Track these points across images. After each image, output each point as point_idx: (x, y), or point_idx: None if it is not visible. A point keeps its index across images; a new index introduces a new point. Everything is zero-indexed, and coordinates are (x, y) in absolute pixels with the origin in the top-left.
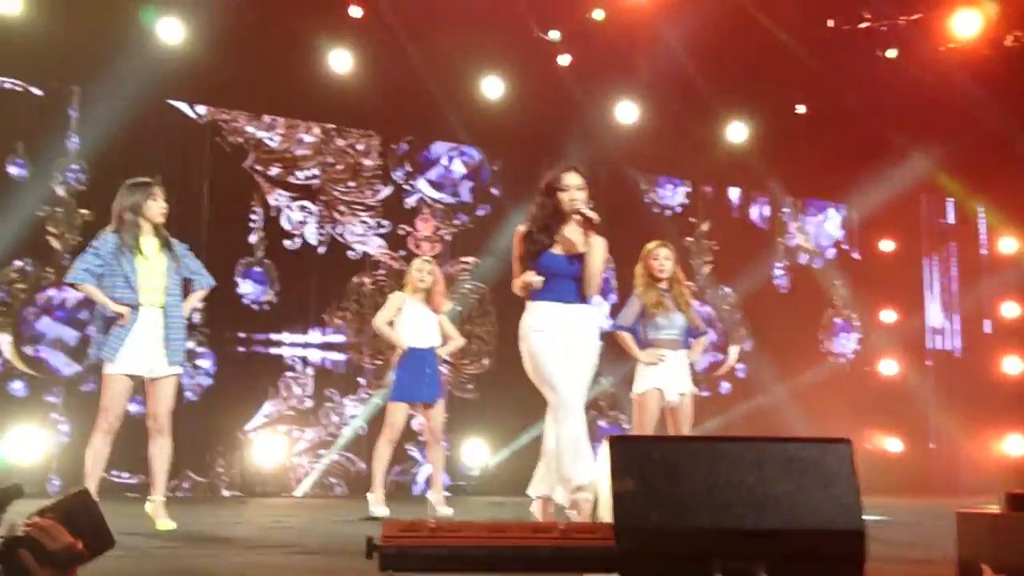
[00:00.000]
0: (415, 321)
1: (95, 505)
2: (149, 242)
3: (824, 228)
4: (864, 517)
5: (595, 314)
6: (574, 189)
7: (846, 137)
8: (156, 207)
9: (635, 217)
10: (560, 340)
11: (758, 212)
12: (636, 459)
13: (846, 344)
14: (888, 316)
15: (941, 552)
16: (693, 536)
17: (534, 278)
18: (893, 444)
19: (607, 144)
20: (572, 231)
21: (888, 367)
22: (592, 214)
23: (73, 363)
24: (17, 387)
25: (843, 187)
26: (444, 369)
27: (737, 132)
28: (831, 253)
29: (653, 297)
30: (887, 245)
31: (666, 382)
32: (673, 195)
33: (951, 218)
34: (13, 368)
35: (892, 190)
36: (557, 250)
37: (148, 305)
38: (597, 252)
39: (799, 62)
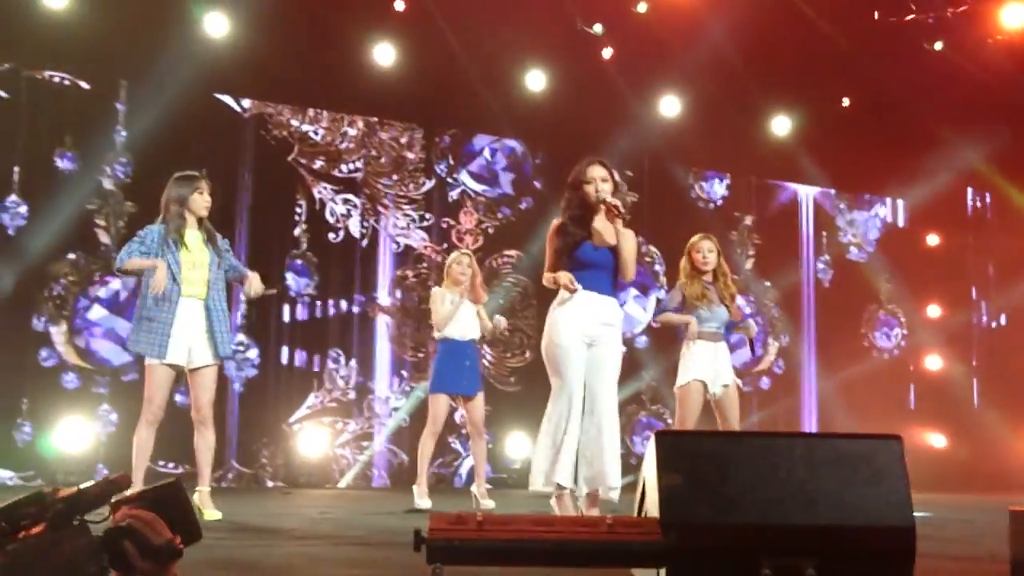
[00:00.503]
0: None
1: (187, 497)
2: (193, 235)
3: (869, 222)
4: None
5: (621, 310)
6: (598, 180)
7: (892, 130)
8: (201, 201)
9: (679, 210)
10: (588, 332)
11: (802, 206)
12: (684, 454)
13: (890, 339)
14: (934, 311)
15: (988, 550)
16: (741, 532)
17: (570, 283)
18: (937, 440)
19: (651, 137)
20: (603, 223)
21: (933, 362)
22: (616, 201)
23: (122, 353)
24: (69, 379)
25: (889, 181)
26: (487, 362)
27: (781, 125)
28: (876, 247)
29: (697, 289)
30: (933, 239)
31: (709, 374)
32: (716, 189)
33: (998, 211)
34: (66, 360)
35: (938, 183)
36: (592, 242)
37: (190, 296)
38: (629, 241)
39: (845, 55)
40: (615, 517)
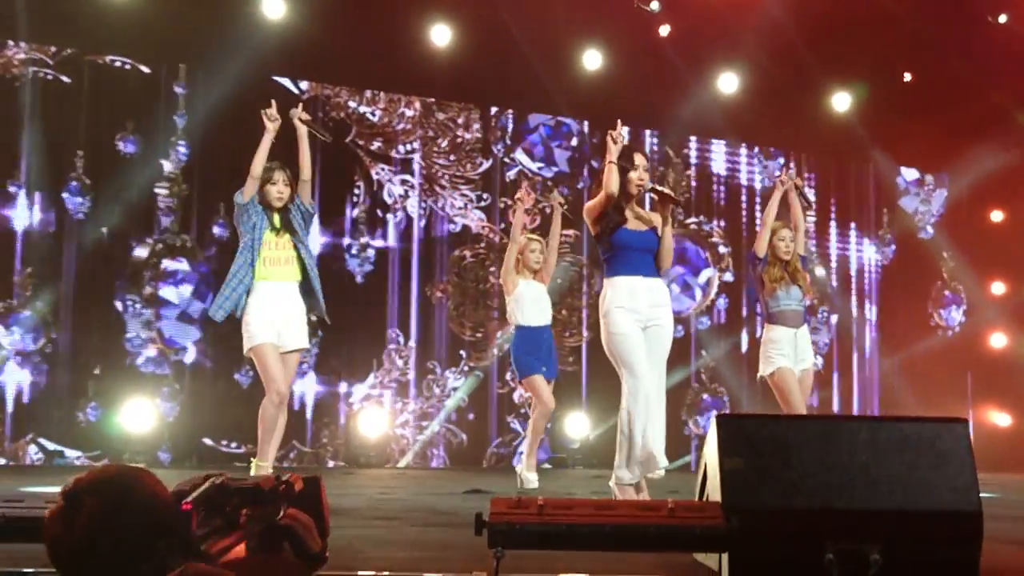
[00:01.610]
0: (530, 300)
1: (325, 496)
2: (275, 222)
3: (932, 198)
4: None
5: (668, 289)
6: (641, 169)
7: (955, 106)
8: (274, 191)
9: (736, 187)
10: (642, 314)
11: (864, 182)
12: (745, 437)
13: (954, 316)
14: (998, 288)
15: None
16: (804, 516)
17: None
18: (1002, 419)
19: (708, 115)
20: (637, 211)
21: (997, 340)
22: (667, 190)
23: (187, 335)
24: (137, 359)
25: (952, 157)
26: None
27: (842, 101)
28: (939, 224)
29: (777, 272)
30: (996, 216)
31: (790, 360)
32: (775, 166)
33: None
34: (133, 341)
35: (1002, 159)
36: (631, 226)
37: (277, 280)
38: (669, 226)
39: (906, 29)
40: (676, 501)
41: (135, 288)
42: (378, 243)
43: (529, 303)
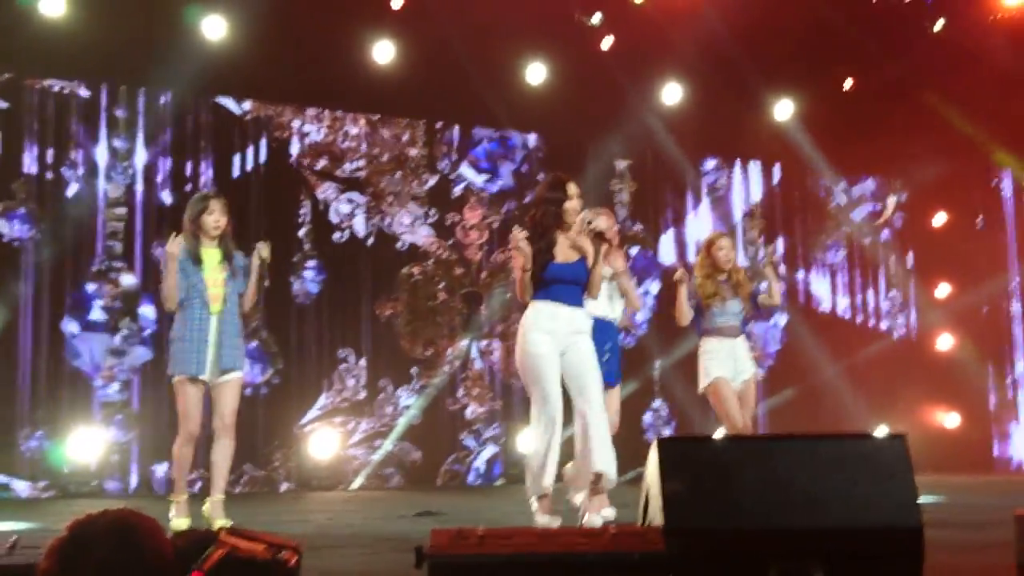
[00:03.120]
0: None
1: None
2: (210, 253)
3: (874, 204)
4: (921, 501)
5: (590, 318)
6: (576, 197)
7: (895, 111)
8: (210, 220)
9: (682, 198)
10: (560, 337)
11: (807, 189)
12: (686, 460)
13: (900, 320)
14: (943, 290)
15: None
16: (746, 537)
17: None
18: (951, 419)
19: (652, 126)
20: (568, 239)
21: (944, 341)
22: (603, 228)
23: (138, 358)
24: (80, 387)
25: (893, 162)
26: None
27: (784, 109)
28: (882, 229)
29: (711, 288)
30: (940, 219)
31: (728, 370)
32: (719, 176)
33: (1007, 191)
34: (76, 368)
35: (943, 164)
36: (560, 259)
37: (214, 314)
38: (599, 263)
39: (845, 37)
40: (618, 527)
41: (81, 313)
42: (325, 262)
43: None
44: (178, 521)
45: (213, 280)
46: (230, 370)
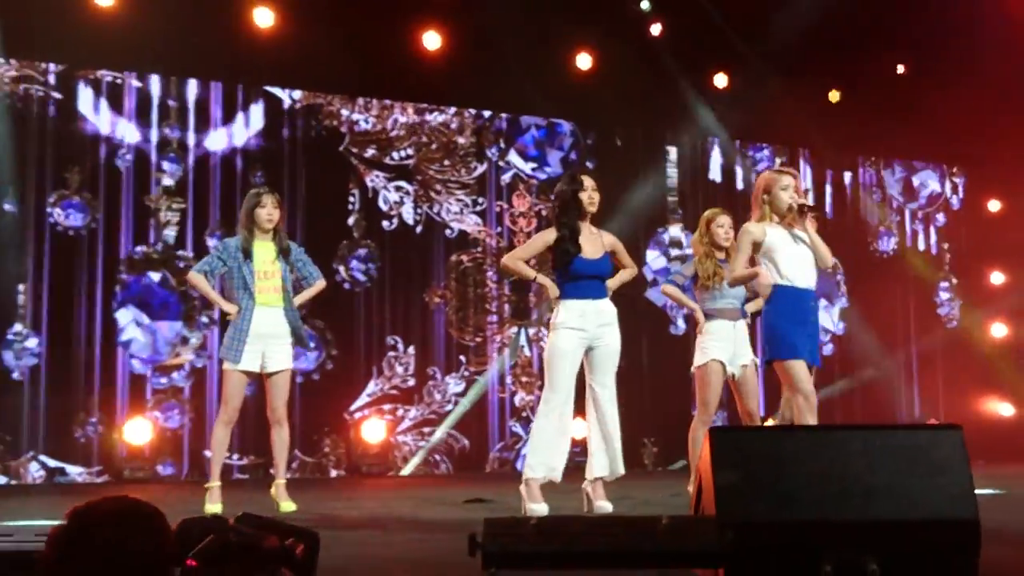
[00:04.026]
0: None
1: (316, 555)
2: (264, 247)
3: (929, 190)
4: (977, 493)
5: (615, 308)
6: (591, 190)
7: (950, 97)
8: (263, 214)
9: (733, 186)
10: (589, 333)
11: (860, 175)
12: (739, 451)
13: (954, 308)
14: (997, 278)
15: None
16: (800, 529)
17: (554, 291)
18: (1005, 409)
19: (702, 113)
20: (589, 234)
21: (998, 330)
22: (807, 202)
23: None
24: (132, 374)
25: (948, 148)
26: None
27: (836, 95)
28: (937, 215)
29: (710, 268)
30: (994, 205)
31: (726, 354)
32: (769, 162)
33: None
34: (127, 355)
35: (1000, 150)
36: (585, 254)
37: (263, 305)
38: (622, 247)
39: (899, 21)
40: (671, 517)
41: (135, 302)
42: (374, 250)
43: (792, 257)
44: (211, 507)
45: (264, 273)
46: (285, 363)
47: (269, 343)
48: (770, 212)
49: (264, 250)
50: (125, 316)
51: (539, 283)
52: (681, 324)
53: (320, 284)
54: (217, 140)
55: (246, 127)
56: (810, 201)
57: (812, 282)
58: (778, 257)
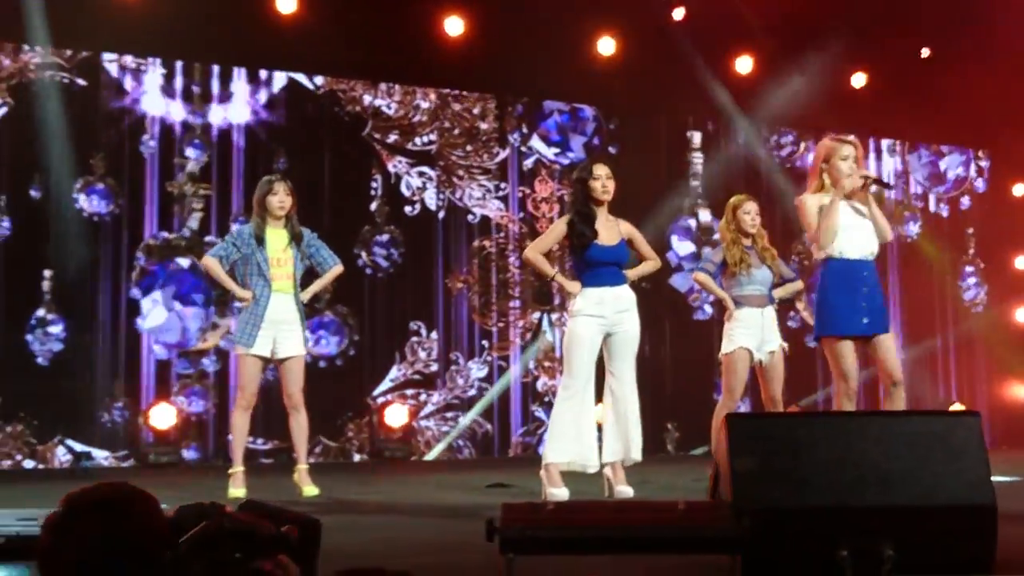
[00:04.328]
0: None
1: (319, 541)
2: (276, 234)
3: (954, 173)
4: (995, 479)
5: (633, 293)
6: (604, 177)
7: (975, 81)
8: (275, 201)
9: (756, 169)
10: (607, 319)
11: (884, 159)
12: (756, 436)
13: (978, 292)
14: (1022, 263)
15: None
16: (816, 514)
17: (573, 289)
18: None
19: (725, 98)
20: (606, 221)
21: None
22: (872, 175)
23: (192, 334)
24: (156, 360)
25: (972, 131)
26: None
27: (859, 79)
28: (962, 199)
29: (737, 254)
30: (1020, 189)
31: (754, 341)
32: (793, 147)
33: None
34: (150, 341)
35: None
36: (601, 240)
37: (278, 292)
38: (639, 235)
39: (923, 4)
40: (688, 502)
41: (158, 286)
42: (397, 235)
43: (848, 229)
44: (235, 491)
45: (276, 260)
46: (298, 349)
47: (281, 329)
48: (829, 182)
49: (277, 237)
50: (152, 301)
51: (557, 282)
52: (708, 309)
53: (337, 268)
54: (240, 126)
55: (269, 113)
56: (872, 172)
57: (869, 253)
58: (828, 227)
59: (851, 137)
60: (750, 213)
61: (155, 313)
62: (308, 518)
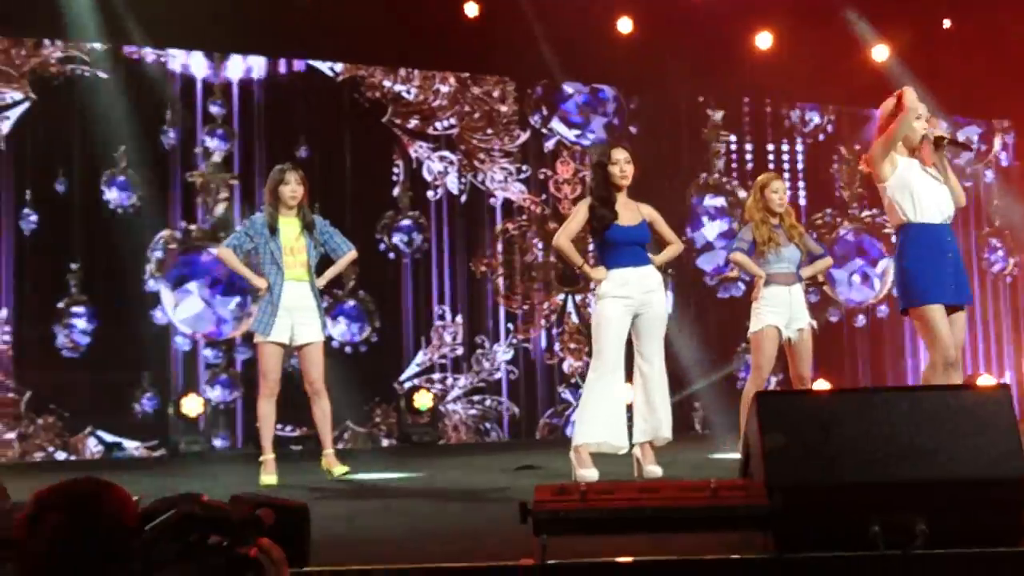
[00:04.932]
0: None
1: (308, 527)
2: (289, 223)
3: (977, 147)
4: None
5: (659, 274)
6: (622, 162)
7: (997, 51)
8: (287, 191)
9: (779, 147)
10: (634, 300)
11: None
12: (786, 414)
13: (1006, 264)
14: None
15: None
16: (848, 491)
17: (599, 275)
18: None
19: (745, 74)
20: (626, 203)
21: None
22: (945, 134)
23: (223, 325)
24: (184, 350)
25: (997, 104)
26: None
27: (880, 52)
28: (986, 172)
29: (765, 233)
30: None
31: (782, 319)
32: (817, 122)
33: None
34: (175, 329)
35: None
36: (621, 221)
37: (292, 279)
38: (659, 217)
39: None
40: (719, 481)
41: (184, 278)
42: (419, 220)
43: (926, 192)
44: (266, 478)
45: (290, 248)
46: (316, 335)
47: (297, 316)
48: (900, 144)
49: (289, 226)
50: (182, 292)
51: (584, 272)
52: (742, 286)
53: (352, 254)
54: (261, 115)
55: (289, 101)
56: (945, 132)
57: (948, 216)
58: (909, 192)
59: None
60: (778, 192)
61: (187, 303)
62: (295, 504)
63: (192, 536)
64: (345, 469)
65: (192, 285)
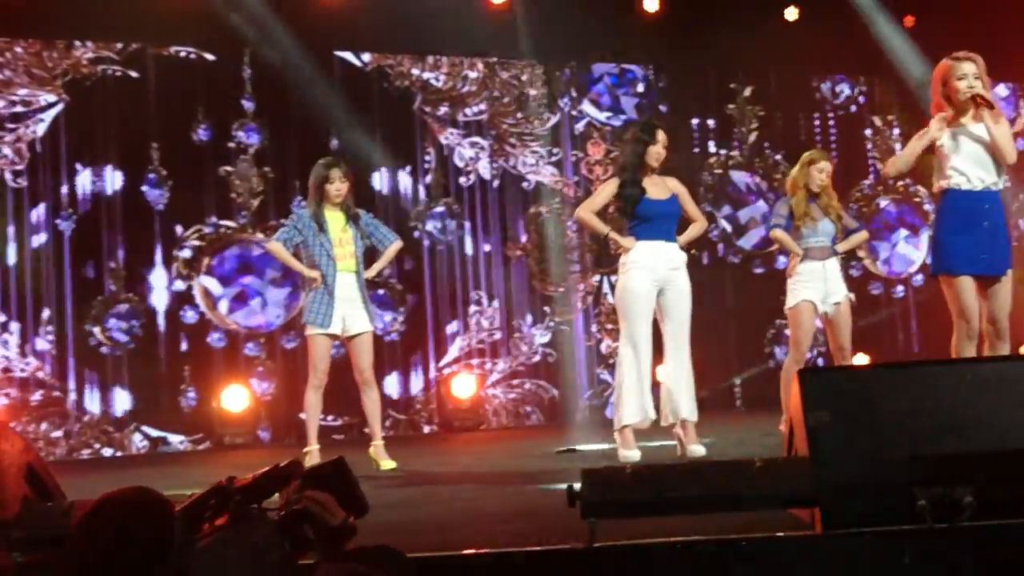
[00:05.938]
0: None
1: (352, 474)
2: (335, 216)
3: (1006, 114)
4: None
5: (684, 253)
6: (662, 144)
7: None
8: (332, 189)
9: (809, 118)
10: (659, 274)
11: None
12: (829, 390)
13: None
14: None
15: None
16: (894, 465)
17: (628, 243)
18: None
19: (774, 46)
20: (654, 178)
21: None
22: (985, 93)
23: (254, 316)
24: (221, 343)
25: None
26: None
27: (910, 21)
28: (1018, 141)
29: (802, 207)
30: None
31: (818, 294)
32: (849, 93)
33: None
34: (213, 324)
35: None
36: (651, 195)
37: (343, 271)
38: (686, 192)
39: None
40: (765, 460)
41: (220, 272)
42: (453, 207)
43: (963, 156)
44: None
45: (338, 240)
46: (366, 325)
47: (349, 307)
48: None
49: (335, 219)
50: (222, 286)
51: (611, 238)
52: (783, 260)
53: (397, 244)
54: (292, 108)
55: (320, 93)
56: (985, 91)
57: (991, 184)
58: (945, 160)
59: (969, 54)
60: (823, 172)
61: (236, 297)
62: (332, 462)
63: (230, 505)
64: (393, 465)
65: (246, 279)
